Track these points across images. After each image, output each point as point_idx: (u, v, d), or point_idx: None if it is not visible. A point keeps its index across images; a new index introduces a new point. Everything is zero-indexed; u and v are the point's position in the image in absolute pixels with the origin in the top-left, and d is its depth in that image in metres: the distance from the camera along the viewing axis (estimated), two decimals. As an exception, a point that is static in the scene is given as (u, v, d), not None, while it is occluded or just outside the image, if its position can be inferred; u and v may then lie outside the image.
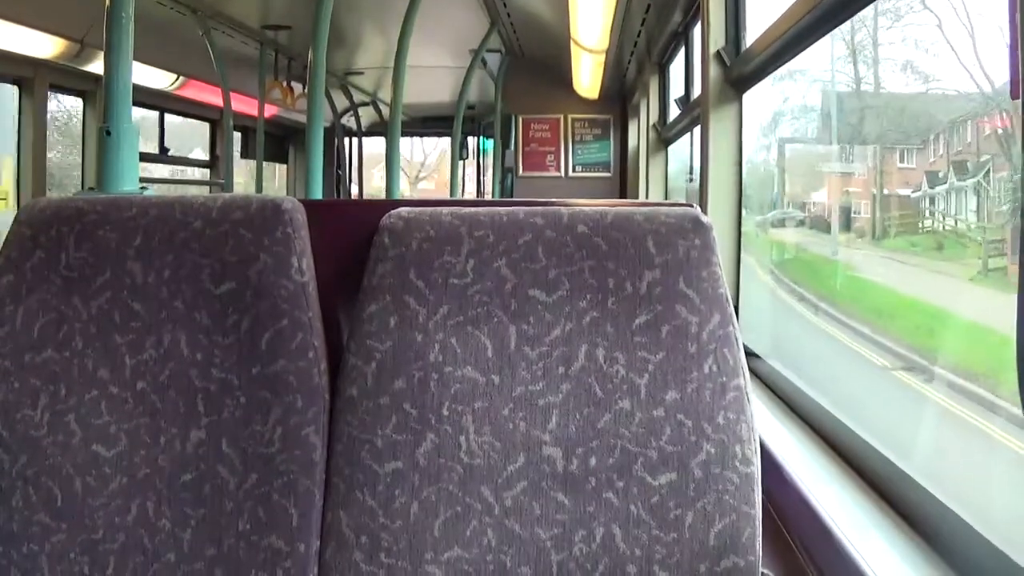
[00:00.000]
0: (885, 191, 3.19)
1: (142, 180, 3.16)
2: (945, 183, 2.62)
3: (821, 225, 4.10)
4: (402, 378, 1.51)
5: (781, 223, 4.53)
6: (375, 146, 14.96)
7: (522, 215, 1.56)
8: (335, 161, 13.70)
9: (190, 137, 9.95)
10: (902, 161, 3.03)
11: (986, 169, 2.35)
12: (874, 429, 1.94)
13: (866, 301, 3.36)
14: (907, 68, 2.91)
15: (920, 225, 2.92)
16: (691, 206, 1.59)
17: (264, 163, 10.01)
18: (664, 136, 7.47)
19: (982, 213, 2.40)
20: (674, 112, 6.82)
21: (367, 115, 13.76)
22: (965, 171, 2.50)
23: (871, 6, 2.41)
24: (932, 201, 2.76)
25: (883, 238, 3.21)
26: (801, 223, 4.36)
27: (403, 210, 1.59)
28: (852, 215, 3.54)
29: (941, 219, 2.71)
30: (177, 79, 8.48)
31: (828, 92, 3.71)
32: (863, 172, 3.46)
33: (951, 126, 2.62)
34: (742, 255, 3.34)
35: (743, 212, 3.38)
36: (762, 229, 4.50)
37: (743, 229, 3.36)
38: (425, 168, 19.43)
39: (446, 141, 12.09)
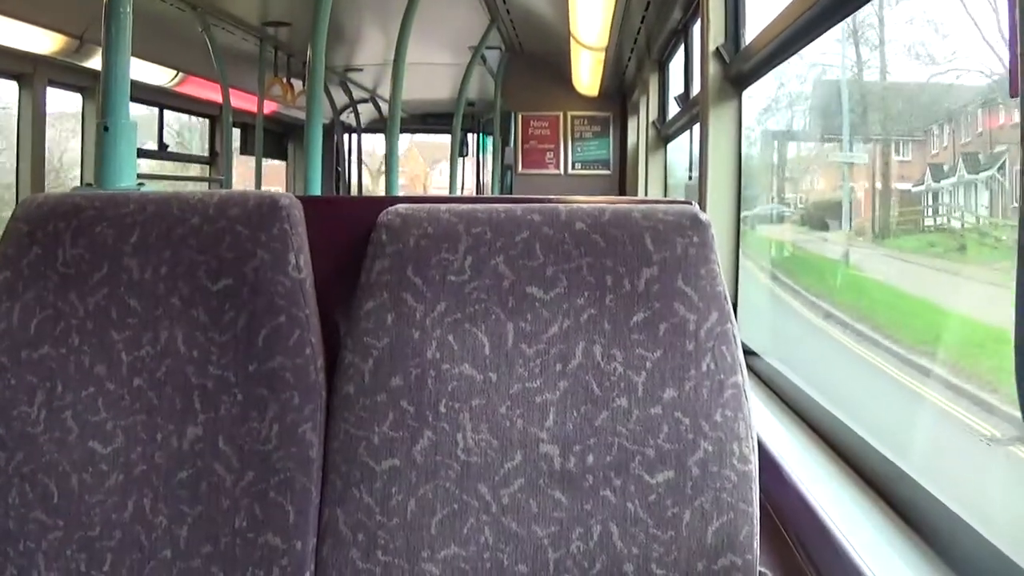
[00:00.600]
0: (885, 185, 3.01)
1: (140, 176, 3.17)
2: (952, 176, 2.46)
3: (815, 222, 3.94)
4: (399, 375, 1.51)
5: (770, 219, 4.40)
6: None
7: (520, 212, 1.56)
8: (334, 158, 13.71)
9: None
10: (898, 153, 2.88)
11: (1001, 161, 2.18)
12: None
13: (917, 323, 2.73)
14: (914, 50, 2.74)
15: (933, 222, 2.70)
16: (690, 203, 1.58)
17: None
18: (663, 134, 7.47)
19: (996, 209, 2.22)
20: (673, 110, 6.82)
21: (366, 112, 13.76)
22: (977, 163, 2.33)
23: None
24: (936, 196, 2.60)
25: (889, 236, 3.00)
26: (793, 219, 4.22)
27: (401, 207, 1.59)
28: (849, 211, 3.43)
29: (960, 216, 2.49)
30: (176, 75, 8.48)
31: (820, 80, 3.64)
32: (861, 165, 3.29)
33: (961, 113, 2.45)
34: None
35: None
36: (749, 226, 4.13)
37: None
38: (377, 160, 17.79)
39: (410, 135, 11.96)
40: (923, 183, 2.69)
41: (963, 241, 2.46)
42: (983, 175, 2.31)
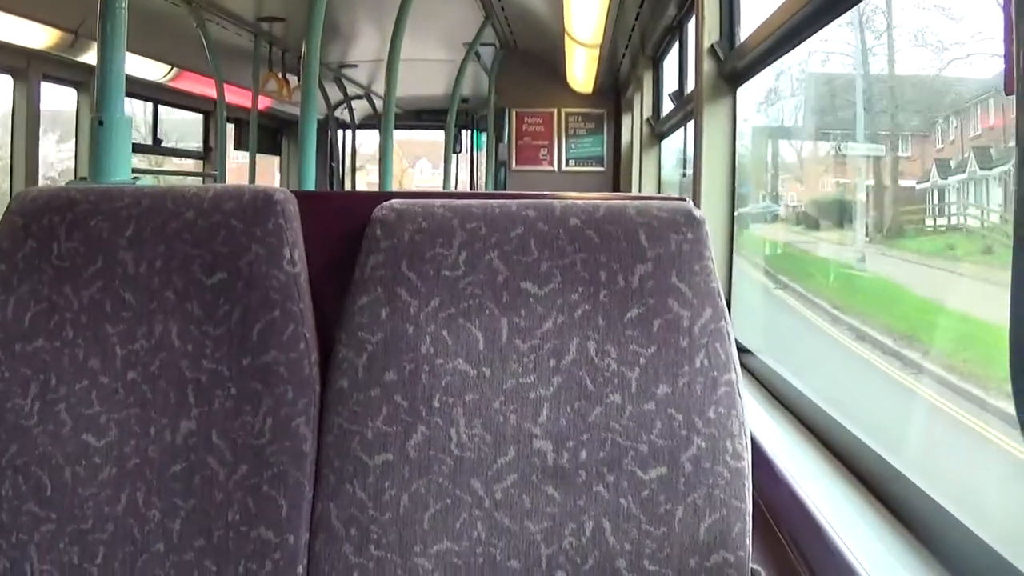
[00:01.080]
0: (893, 181, 2.80)
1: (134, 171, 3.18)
2: (961, 172, 2.32)
3: (810, 221, 3.80)
4: (393, 370, 1.51)
5: (764, 218, 4.30)
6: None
7: (514, 208, 1.56)
8: (328, 154, 13.72)
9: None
10: (896, 149, 2.80)
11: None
12: None
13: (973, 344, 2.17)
14: (922, 37, 2.55)
15: (947, 222, 2.51)
16: (684, 200, 1.58)
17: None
18: (657, 131, 7.47)
19: (1012, 206, 2.02)
20: (668, 107, 6.82)
21: (361, 108, 13.77)
22: (989, 158, 2.20)
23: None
24: (942, 194, 2.44)
25: (901, 237, 2.78)
26: (788, 219, 4.10)
27: (395, 202, 1.59)
28: (864, 209, 3.31)
29: (979, 215, 2.30)
30: (171, 70, 8.48)
31: (819, 72, 3.58)
32: (865, 161, 3.08)
33: (972, 105, 2.29)
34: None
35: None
36: (743, 225, 3.89)
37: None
38: (358, 156, 16.38)
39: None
40: (928, 180, 2.56)
41: (987, 242, 2.23)
42: (996, 170, 2.19)
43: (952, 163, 2.39)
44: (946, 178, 2.42)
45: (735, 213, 3.31)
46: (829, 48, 3.25)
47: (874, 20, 2.89)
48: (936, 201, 2.50)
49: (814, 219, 3.80)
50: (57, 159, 8.22)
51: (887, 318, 2.80)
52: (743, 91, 3.32)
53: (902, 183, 2.75)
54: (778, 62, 2.94)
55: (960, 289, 2.29)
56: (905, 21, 2.72)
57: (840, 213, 3.42)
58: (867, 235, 3.02)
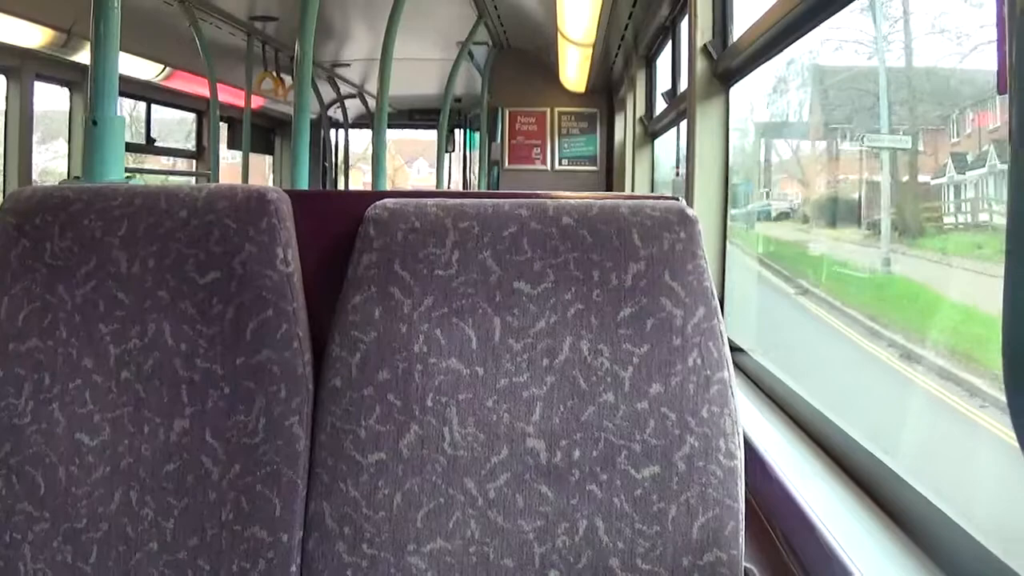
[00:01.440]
0: (912, 177, 2.69)
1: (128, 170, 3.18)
2: (982, 166, 2.25)
3: (816, 219, 3.71)
4: (386, 369, 1.51)
5: (764, 217, 4.28)
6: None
7: (507, 207, 1.56)
8: (321, 153, 13.71)
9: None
10: (915, 144, 2.65)
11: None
12: None
13: None
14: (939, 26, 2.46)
15: (970, 219, 2.40)
16: (677, 199, 1.59)
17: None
18: (651, 130, 7.47)
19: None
20: (661, 106, 6.82)
21: (354, 107, 13.76)
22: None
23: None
24: (959, 190, 2.35)
25: (917, 236, 2.65)
26: (785, 216, 4.07)
27: (388, 201, 1.59)
28: (844, 207, 3.25)
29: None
30: (164, 69, 8.47)
31: (817, 67, 3.55)
32: (877, 155, 2.89)
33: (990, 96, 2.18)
34: (740, 252, 3.28)
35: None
36: (747, 223, 3.94)
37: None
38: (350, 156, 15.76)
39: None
40: (944, 175, 2.48)
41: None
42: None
43: (969, 157, 2.34)
44: (964, 173, 2.37)
45: (733, 211, 3.29)
46: (842, 36, 3.19)
47: (888, 7, 2.84)
48: (953, 197, 2.44)
49: (821, 217, 3.73)
50: (38, 160, 8.19)
51: (935, 332, 2.55)
52: (747, 83, 3.32)
53: (921, 178, 2.67)
54: (786, 51, 2.92)
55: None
56: (921, 8, 2.66)
57: (855, 211, 3.30)
58: (873, 232, 2.94)
